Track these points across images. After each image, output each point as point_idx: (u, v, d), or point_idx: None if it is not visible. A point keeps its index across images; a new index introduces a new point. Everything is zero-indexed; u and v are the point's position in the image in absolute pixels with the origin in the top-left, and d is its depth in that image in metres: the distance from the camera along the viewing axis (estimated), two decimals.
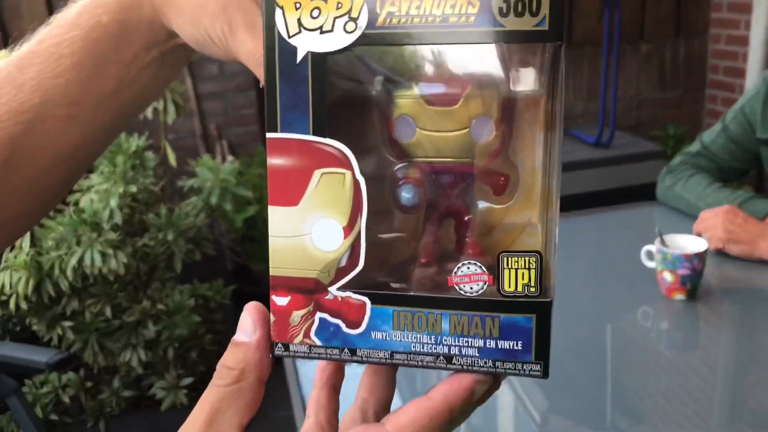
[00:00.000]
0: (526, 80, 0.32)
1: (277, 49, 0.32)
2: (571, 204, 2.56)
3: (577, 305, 1.28)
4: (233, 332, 0.35)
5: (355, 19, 0.31)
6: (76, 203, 2.10)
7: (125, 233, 2.09)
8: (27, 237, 1.96)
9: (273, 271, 0.33)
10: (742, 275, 1.34)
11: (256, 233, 2.60)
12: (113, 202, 2.01)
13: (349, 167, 0.32)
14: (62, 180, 0.42)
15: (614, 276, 1.39)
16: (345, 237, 0.32)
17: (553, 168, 0.32)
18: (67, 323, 2.08)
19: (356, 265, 0.32)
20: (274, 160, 0.33)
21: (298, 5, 0.31)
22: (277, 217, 0.33)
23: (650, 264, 1.27)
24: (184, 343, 2.23)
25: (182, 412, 2.27)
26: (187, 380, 2.23)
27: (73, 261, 1.95)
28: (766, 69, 2.67)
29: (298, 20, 0.31)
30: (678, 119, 3.36)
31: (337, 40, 0.31)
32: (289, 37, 0.32)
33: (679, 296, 1.22)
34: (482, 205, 0.33)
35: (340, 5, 0.31)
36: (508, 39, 0.30)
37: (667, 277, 1.21)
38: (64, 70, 0.39)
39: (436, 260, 0.33)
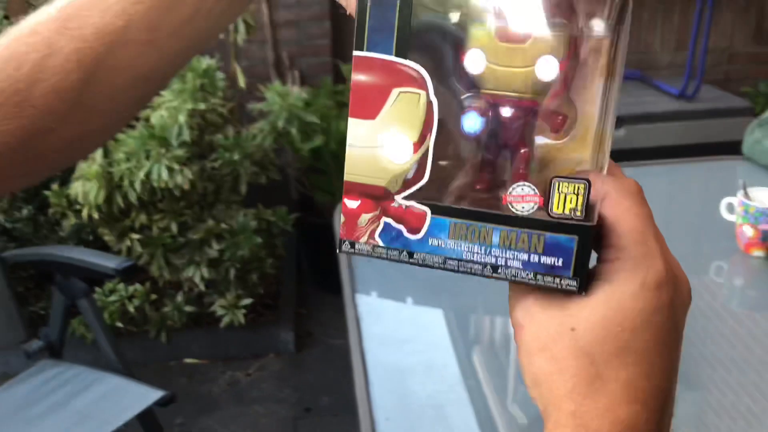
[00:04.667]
0: (594, 24, 0.33)
1: None
2: (649, 156, 2.46)
3: None
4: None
5: None
6: (147, 119, 2.14)
7: (193, 153, 2.12)
8: (100, 148, 2.01)
9: (347, 177, 0.37)
10: None
11: (322, 165, 2.60)
12: (182, 118, 2.04)
13: (425, 88, 0.35)
14: (137, 99, 0.47)
15: (688, 228, 1.33)
16: (414, 152, 0.36)
17: (609, 113, 0.34)
18: (136, 236, 2.15)
19: (421, 178, 0.36)
20: (357, 77, 0.36)
21: None
22: (355, 128, 0.36)
23: (730, 217, 1.21)
24: (245, 264, 2.27)
25: (240, 331, 2.33)
26: (246, 301, 2.28)
27: (141, 174, 2.00)
28: None
29: None
30: None
31: None
32: None
33: (758, 252, 1.15)
34: (539, 141, 0.35)
35: None
36: None
37: (748, 231, 1.15)
38: None
39: (489, 188, 0.36)
